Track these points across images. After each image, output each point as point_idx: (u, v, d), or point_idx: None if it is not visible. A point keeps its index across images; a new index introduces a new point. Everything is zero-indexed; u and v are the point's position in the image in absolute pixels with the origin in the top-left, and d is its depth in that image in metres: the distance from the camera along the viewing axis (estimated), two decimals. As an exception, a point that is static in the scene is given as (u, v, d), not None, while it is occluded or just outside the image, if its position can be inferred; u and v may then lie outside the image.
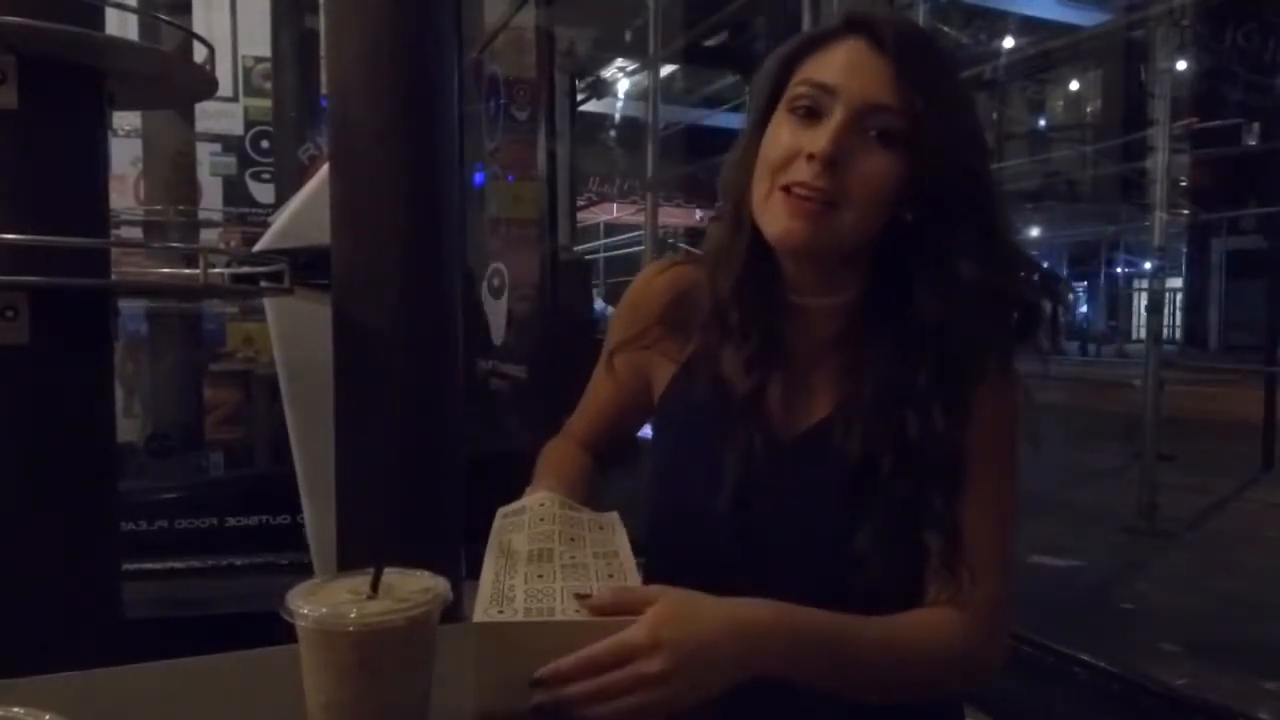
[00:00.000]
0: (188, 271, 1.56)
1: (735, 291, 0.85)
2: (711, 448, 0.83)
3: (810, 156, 0.76)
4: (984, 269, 0.78)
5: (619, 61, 12.09)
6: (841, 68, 0.78)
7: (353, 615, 0.58)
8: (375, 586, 0.60)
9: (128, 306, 3.85)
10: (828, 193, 0.76)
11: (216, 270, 1.76)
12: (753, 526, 0.82)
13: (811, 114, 0.78)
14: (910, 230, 0.79)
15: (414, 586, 0.61)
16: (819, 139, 0.76)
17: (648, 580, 0.92)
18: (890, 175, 0.77)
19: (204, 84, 1.54)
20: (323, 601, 0.59)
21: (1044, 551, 4.35)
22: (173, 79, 1.48)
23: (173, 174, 4.56)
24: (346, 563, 1.06)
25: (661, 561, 0.90)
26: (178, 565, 2.35)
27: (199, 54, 1.56)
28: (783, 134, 0.80)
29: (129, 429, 4.29)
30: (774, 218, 0.79)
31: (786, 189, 0.78)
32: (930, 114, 0.76)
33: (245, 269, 1.75)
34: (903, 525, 0.78)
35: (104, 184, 1.52)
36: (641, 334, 0.92)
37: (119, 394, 4.55)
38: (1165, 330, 6.05)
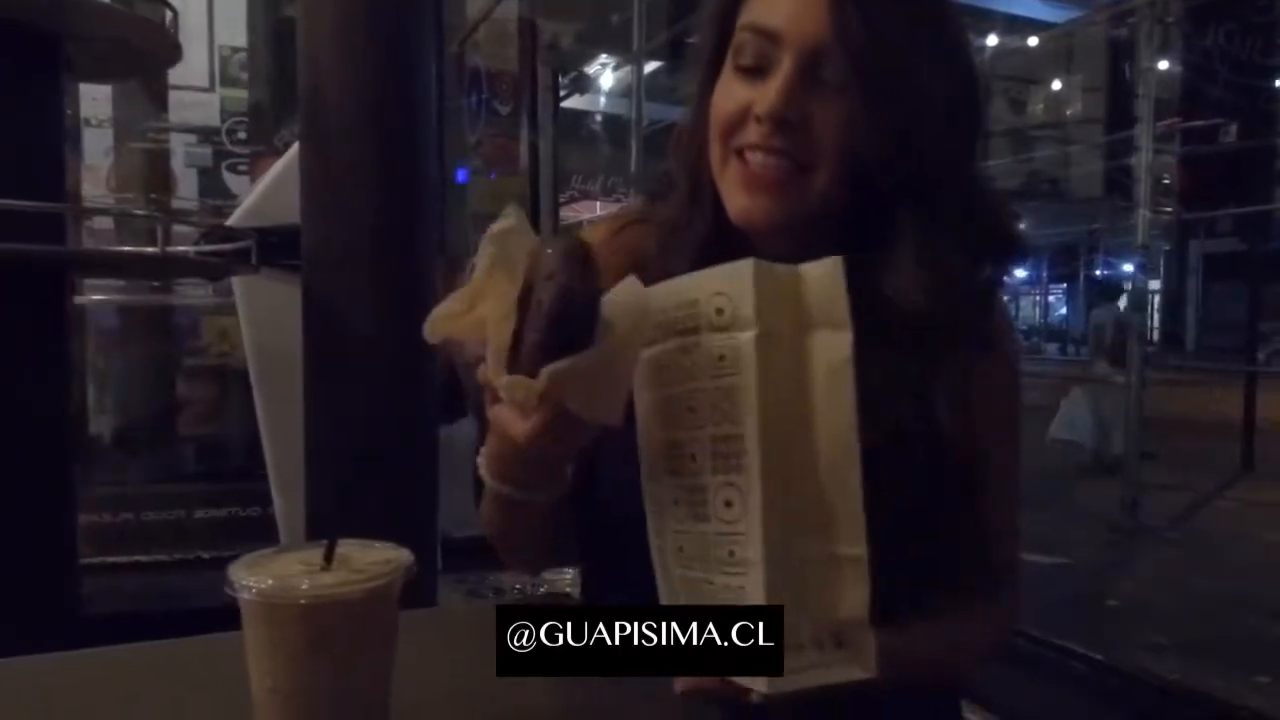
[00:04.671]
0: (148, 250, 1.49)
1: (695, 263, 0.75)
2: None
3: (759, 118, 0.68)
4: (963, 222, 0.71)
5: (603, 57, 12.04)
6: (785, 7, 0.69)
7: (304, 587, 0.52)
8: (329, 558, 0.54)
9: (100, 304, 3.77)
10: (787, 154, 0.69)
11: (183, 249, 1.69)
12: None
13: (759, 66, 0.69)
14: (887, 188, 0.71)
15: (373, 558, 0.55)
16: (768, 95, 0.68)
17: (590, 580, 0.87)
18: (852, 124, 0.68)
19: (167, 50, 1.47)
20: (270, 573, 0.53)
21: (1030, 549, 4.33)
22: (134, 44, 1.41)
23: (145, 165, 4.47)
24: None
25: (608, 554, 0.81)
26: (143, 559, 2.27)
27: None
28: (731, 90, 0.71)
29: (101, 424, 4.20)
30: (733, 192, 0.71)
31: (742, 155, 0.70)
32: (884, 52, 0.66)
33: (212, 248, 1.68)
34: (917, 522, 0.71)
35: (61, 151, 1.45)
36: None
37: (90, 389, 4.46)
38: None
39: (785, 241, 0.73)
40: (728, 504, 0.55)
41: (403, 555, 0.55)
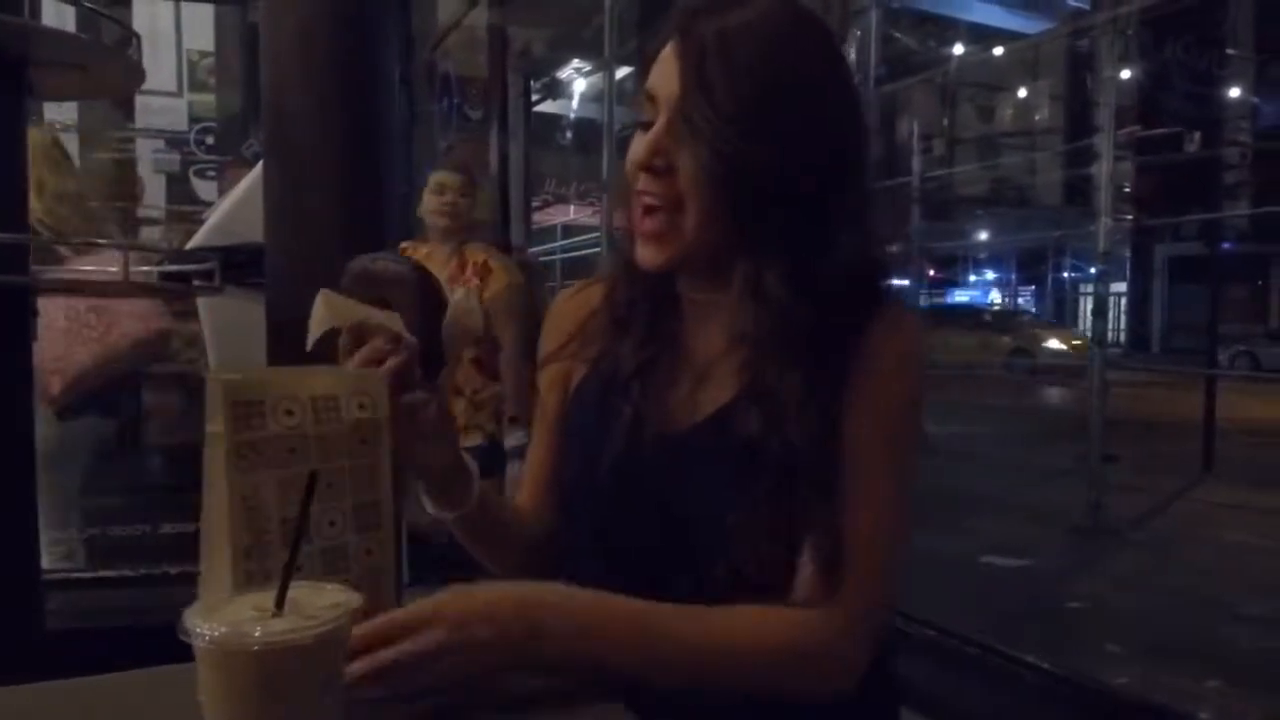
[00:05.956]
0: (111, 270, 1.49)
1: (627, 291, 0.88)
2: (598, 428, 0.85)
3: (636, 166, 0.79)
4: (818, 252, 0.79)
5: (575, 62, 12.04)
6: (657, 69, 0.80)
7: (256, 634, 0.54)
8: (280, 602, 0.56)
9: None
10: (659, 197, 0.78)
11: (145, 268, 1.69)
12: (637, 508, 0.83)
13: (647, 122, 0.80)
14: (753, 225, 0.79)
15: (323, 602, 0.57)
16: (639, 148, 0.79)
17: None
18: (706, 172, 0.76)
19: (131, 74, 1.48)
20: (223, 619, 0.55)
21: (993, 551, 4.40)
22: (97, 68, 1.42)
23: (111, 172, 4.43)
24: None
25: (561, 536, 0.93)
26: (108, 574, 2.26)
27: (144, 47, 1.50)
28: (633, 145, 0.82)
29: (65, 433, 4.15)
30: (636, 238, 0.82)
31: (640, 200, 0.80)
32: (730, 106, 0.75)
33: (176, 268, 1.68)
34: (776, 515, 0.77)
35: (24, 176, 1.45)
36: (561, 349, 0.93)
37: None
38: (1109, 334, 6.18)
39: (698, 266, 0.83)
40: (369, 552, 0.72)
41: (352, 599, 0.58)
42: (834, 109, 0.81)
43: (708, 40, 0.77)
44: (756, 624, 0.76)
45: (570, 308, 0.96)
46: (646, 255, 0.81)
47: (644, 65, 0.84)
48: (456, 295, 2.59)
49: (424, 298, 0.73)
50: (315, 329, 0.76)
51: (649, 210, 0.80)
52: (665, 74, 0.79)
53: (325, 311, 0.76)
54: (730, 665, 0.75)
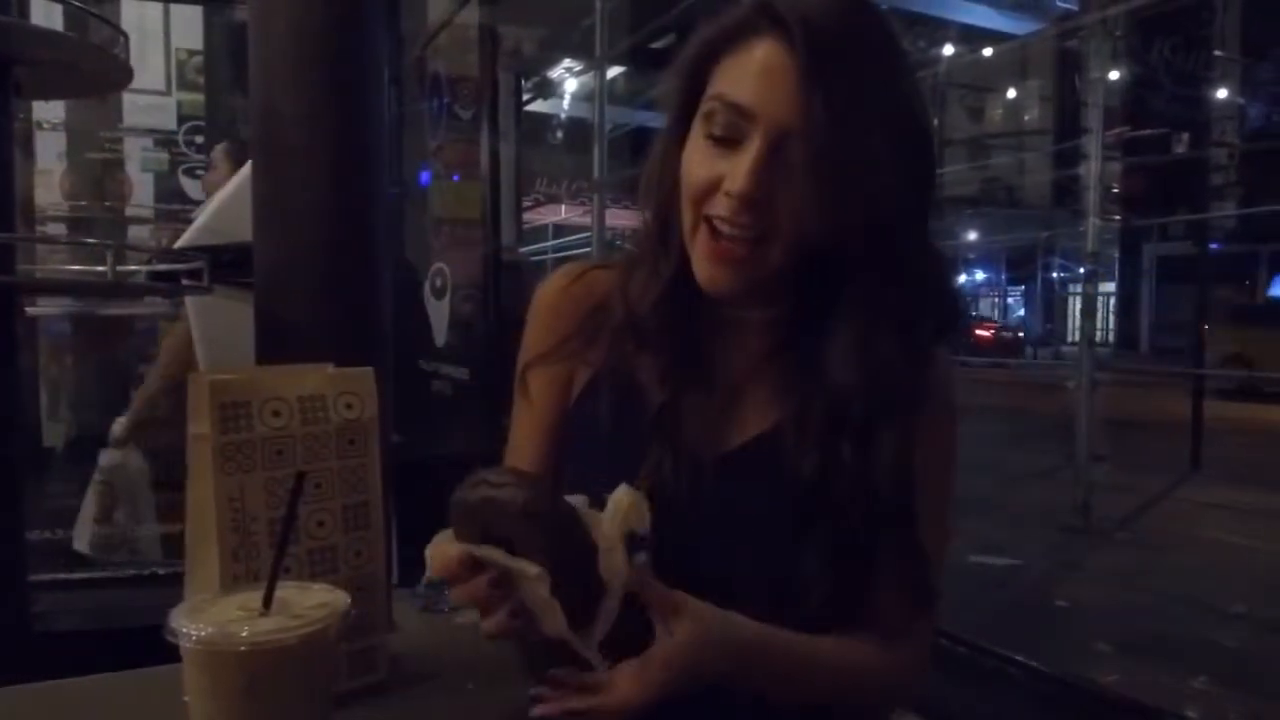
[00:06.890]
0: (99, 269, 1.48)
1: (657, 303, 0.78)
2: (622, 463, 0.74)
3: (729, 194, 0.71)
4: (910, 282, 0.75)
5: (566, 62, 12.04)
6: (755, 82, 0.70)
7: (243, 634, 0.54)
8: (268, 602, 0.56)
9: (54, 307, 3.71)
10: (751, 228, 0.71)
11: (134, 268, 1.69)
12: (672, 546, 0.73)
13: (729, 137, 0.71)
14: (841, 257, 0.74)
15: (310, 602, 0.57)
16: (737, 174, 0.70)
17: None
18: (813, 202, 0.70)
19: (118, 73, 1.47)
20: (210, 620, 0.55)
21: (982, 551, 4.41)
22: (84, 68, 1.41)
23: (99, 171, 4.40)
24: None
25: None
26: (96, 575, 2.25)
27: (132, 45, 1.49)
28: (702, 158, 0.73)
29: (54, 436, 4.13)
30: (700, 259, 0.74)
31: (710, 223, 0.73)
32: (847, 136, 0.68)
33: (164, 267, 1.67)
34: (849, 549, 0.74)
35: (10, 176, 1.44)
36: (560, 345, 0.83)
37: (43, 399, 4.39)
38: (1098, 333, 6.21)
39: (743, 299, 0.77)
40: (358, 553, 0.75)
41: (339, 599, 0.58)
42: (925, 132, 0.76)
43: (831, 62, 0.68)
44: (865, 660, 0.76)
45: (565, 300, 0.86)
46: (721, 279, 0.73)
47: (700, 62, 0.75)
48: None
49: (550, 533, 0.58)
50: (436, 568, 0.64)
51: (731, 239, 0.72)
52: (770, 92, 0.70)
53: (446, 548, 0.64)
54: (838, 693, 0.76)
